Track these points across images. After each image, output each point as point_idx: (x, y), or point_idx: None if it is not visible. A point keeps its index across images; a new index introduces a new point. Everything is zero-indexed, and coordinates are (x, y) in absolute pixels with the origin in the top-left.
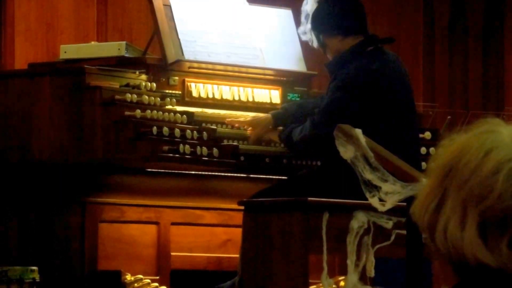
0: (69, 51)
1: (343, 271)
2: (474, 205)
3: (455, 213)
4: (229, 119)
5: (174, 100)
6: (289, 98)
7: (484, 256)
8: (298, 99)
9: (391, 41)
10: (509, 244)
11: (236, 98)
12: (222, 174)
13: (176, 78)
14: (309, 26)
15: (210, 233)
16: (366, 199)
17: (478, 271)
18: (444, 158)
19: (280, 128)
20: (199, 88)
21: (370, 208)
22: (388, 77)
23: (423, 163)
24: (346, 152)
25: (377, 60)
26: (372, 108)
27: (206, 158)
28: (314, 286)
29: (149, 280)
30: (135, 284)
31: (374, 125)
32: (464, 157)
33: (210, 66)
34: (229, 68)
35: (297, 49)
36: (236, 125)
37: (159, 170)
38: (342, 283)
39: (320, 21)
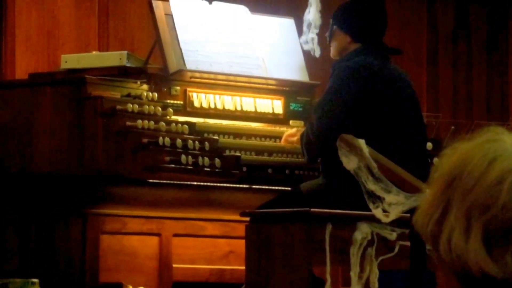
0: (70, 60)
1: (347, 283)
2: (478, 215)
3: (459, 223)
4: (285, 140)
5: (176, 110)
6: (291, 108)
7: (488, 267)
8: (300, 109)
9: (398, 52)
10: None
11: (238, 108)
12: (225, 185)
13: (178, 88)
14: (311, 35)
15: (213, 244)
16: (370, 210)
17: (483, 282)
18: (447, 167)
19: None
20: (201, 98)
21: (373, 219)
22: (389, 80)
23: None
24: (349, 162)
25: (380, 62)
26: (370, 105)
27: (208, 169)
28: None
29: None
30: None
31: (372, 125)
32: (467, 167)
33: (212, 75)
34: (231, 78)
35: (299, 59)
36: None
37: (161, 181)
38: None
39: (340, 13)
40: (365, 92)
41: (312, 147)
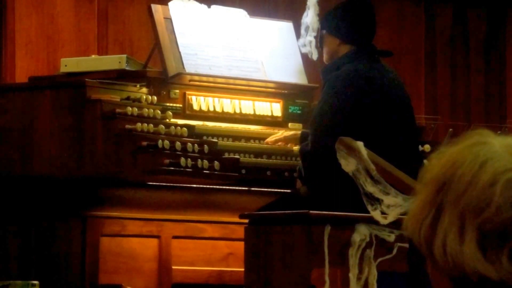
0: (70, 64)
1: (346, 285)
2: (472, 218)
3: (453, 227)
4: (269, 140)
5: (175, 113)
6: (290, 111)
7: (485, 269)
8: (299, 112)
9: (388, 54)
10: (509, 256)
11: (237, 111)
12: (224, 187)
13: (177, 91)
14: (309, 38)
15: (212, 246)
16: (368, 212)
17: (479, 285)
18: (436, 171)
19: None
20: (200, 101)
21: (372, 221)
22: (381, 84)
23: None
24: (348, 164)
25: (371, 67)
26: (363, 110)
27: (207, 171)
28: None
29: None
30: None
31: (368, 131)
32: (458, 170)
33: (211, 79)
34: (230, 81)
35: (298, 62)
36: (276, 143)
37: (160, 184)
38: None
39: (327, 18)
40: (358, 98)
41: (311, 162)
